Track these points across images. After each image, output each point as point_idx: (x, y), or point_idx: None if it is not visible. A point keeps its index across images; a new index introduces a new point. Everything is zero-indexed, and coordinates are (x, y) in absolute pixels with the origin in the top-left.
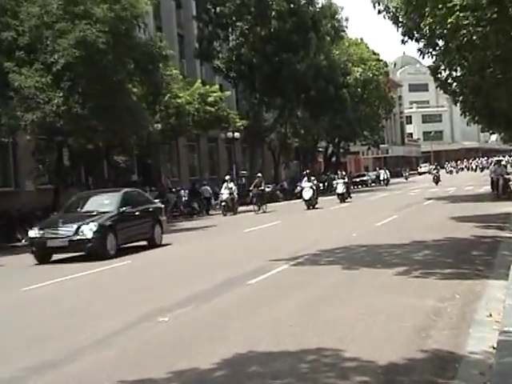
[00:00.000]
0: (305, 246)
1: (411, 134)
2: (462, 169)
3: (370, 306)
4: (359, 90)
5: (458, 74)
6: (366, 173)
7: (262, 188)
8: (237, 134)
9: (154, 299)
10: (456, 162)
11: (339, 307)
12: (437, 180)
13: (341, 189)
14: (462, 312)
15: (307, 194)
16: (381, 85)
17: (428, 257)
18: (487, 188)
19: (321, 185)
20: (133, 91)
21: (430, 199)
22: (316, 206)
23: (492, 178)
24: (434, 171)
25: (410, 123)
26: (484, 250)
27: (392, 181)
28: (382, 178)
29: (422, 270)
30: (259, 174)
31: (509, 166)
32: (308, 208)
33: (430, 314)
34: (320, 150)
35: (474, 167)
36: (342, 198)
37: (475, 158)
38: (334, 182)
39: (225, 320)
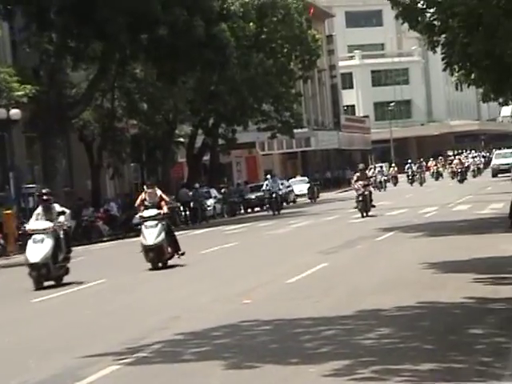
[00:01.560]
0: (157, 326)
1: (352, 107)
2: (441, 174)
3: None
4: (252, 25)
5: None
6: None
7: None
8: (15, 113)
9: None
10: (437, 158)
11: None
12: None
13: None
14: None
15: (150, 235)
16: (293, 13)
17: (387, 340)
18: (497, 208)
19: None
20: None
21: (390, 230)
22: (178, 253)
23: None
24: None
25: (351, 87)
26: (491, 326)
27: (324, 196)
28: (297, 191)
29: (375, 365)
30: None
31: None
32: (154, 263)
33: None
34: (181, 141)
35: (460, 170)
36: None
37: (471, 152)
38: (209, 201)
39: None
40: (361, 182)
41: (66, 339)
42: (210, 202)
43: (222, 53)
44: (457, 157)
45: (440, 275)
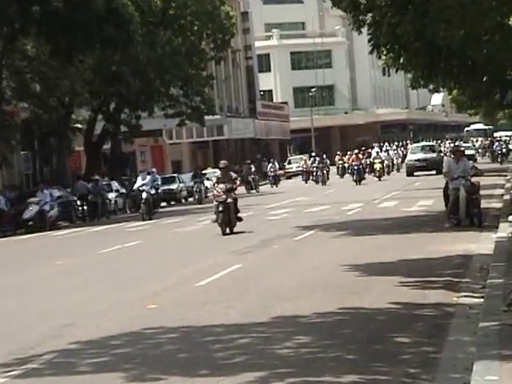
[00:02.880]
0: (49, 334)
1: (270, 92)
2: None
3: None
4: None
5: None
6: (176, 175)
7: None
8: None
9: None
10: (359, 153)
11: None
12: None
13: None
14: None
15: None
16: None
17: (306, 350)
18: (426, 205)
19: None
20: None
21: (310, 228)
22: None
23: (445, 189)
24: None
25: (268, 70)
26: (419, 334)
27: (238, 190)
28: (208, 184)
29: (292, 377)
30: None
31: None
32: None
33: None
34: (78, 127)
35: (357, 167)
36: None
37: (387, 145)
38: (110, 195)
39: None
40: (222, 186)
41: None
42: (111, 195)
43: (124, 29)
44: (355, 151)
45: (364, 278)
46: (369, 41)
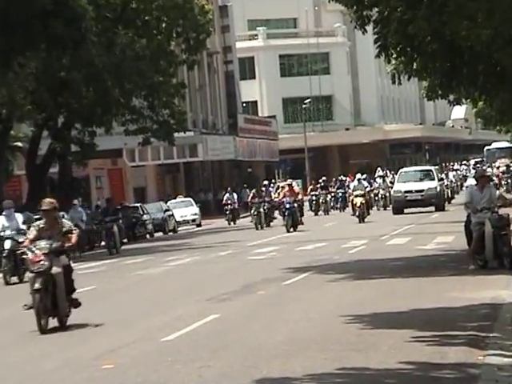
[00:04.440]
0: None
1: (254, 104)
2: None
3: None
4: None
5: None
6: (139, 205)
7: None
8: None
9: None
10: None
11: None
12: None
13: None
14: None
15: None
16: None
17: None
18: (445, 242)
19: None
20: None
21: (303, 270)
22: None
23: (467, 223)
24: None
25: (252, 77)
26: None
27: (217, 223)
28: (178, 217)
29: None
30: None
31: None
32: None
33: None
34: (18, 145)
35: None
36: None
37: (377, 170)
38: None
39: None
40: (44, 243)
41: None
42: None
43: (75, 26)
44: (289, 180)
45: (369, 332)
46: (375, 41)
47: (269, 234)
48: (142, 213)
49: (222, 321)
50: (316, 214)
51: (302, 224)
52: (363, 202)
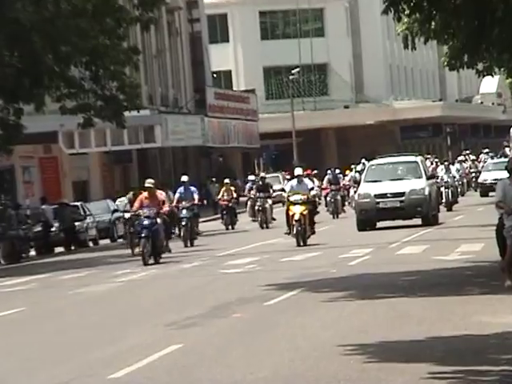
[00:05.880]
0: None
1: (228, 75)
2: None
3: None
4: None
5: None
6: (80, 204)
7: None
8: None
9: None
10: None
11: None
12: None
13: None
14: None
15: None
16: None
17: None
18: (472, 251)
19: None
20: None
21: (291, 287)
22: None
23: (499, 227)
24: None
25: (225, 40)
26: None
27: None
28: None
29: None
30: None
31: None
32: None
33: None
34: None
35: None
36: None
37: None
38: None
39: None
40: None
41: None
42: None
43: None
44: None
45: (375, 366)
46: None
47: (245, 239)
48: (83, 214)
49: (186, 352)
50: None
51: (314, 233)
52: (304, 212)
